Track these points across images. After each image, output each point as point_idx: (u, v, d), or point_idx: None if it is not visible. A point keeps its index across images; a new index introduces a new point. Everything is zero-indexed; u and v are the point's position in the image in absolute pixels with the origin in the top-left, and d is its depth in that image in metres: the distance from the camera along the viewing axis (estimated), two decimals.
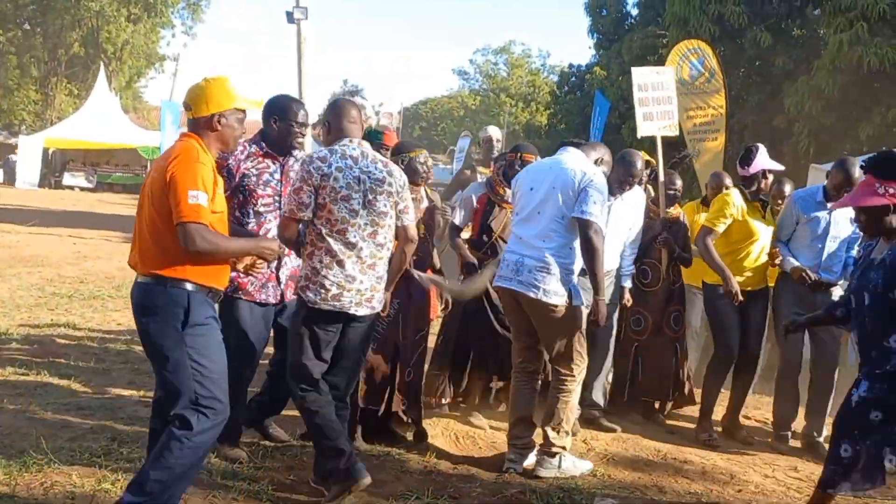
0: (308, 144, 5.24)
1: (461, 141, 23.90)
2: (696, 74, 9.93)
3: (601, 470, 5.08)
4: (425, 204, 5.23)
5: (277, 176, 4.59)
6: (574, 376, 4.88)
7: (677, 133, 6.95)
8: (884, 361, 3.90)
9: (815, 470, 5.40)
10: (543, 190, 4.83)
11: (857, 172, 5.66)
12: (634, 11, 24.84)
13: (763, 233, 5.88)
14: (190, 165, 3.43)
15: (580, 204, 4.68)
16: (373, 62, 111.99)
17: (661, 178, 6.25)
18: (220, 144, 3.68)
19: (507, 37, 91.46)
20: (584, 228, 4.69)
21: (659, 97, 6.82)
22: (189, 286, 3.48)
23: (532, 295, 4.71)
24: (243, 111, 3.71)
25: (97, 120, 32.48)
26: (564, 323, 4.80)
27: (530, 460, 4.92)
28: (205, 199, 3.40)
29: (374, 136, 5.77)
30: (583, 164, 4.89)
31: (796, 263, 5.72)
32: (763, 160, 5.89)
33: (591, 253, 4.69)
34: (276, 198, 4.56)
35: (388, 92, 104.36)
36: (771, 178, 5.98)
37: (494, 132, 7.64)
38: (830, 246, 5.77)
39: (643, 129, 6.85)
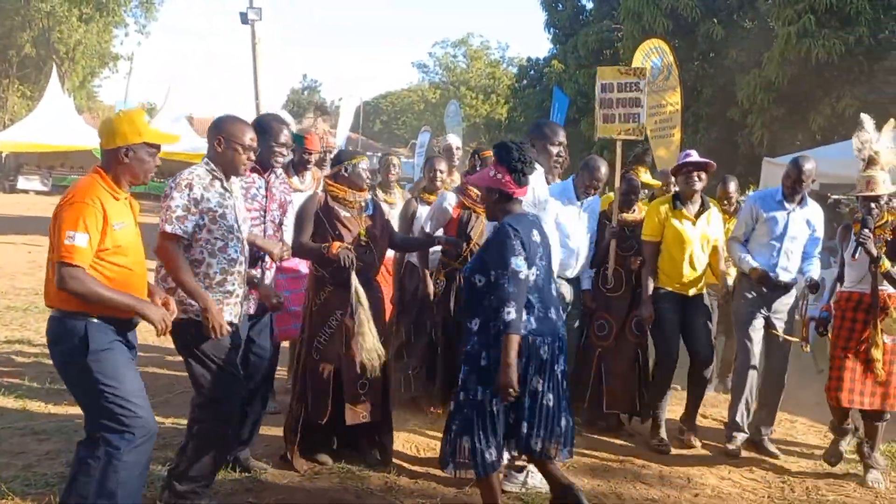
0: None
1: (422, 135, 23.89)
2: (657, 73, 10.02)
3: None
4: (370, 211, 5.14)
5: (263, 191, 4.75)
6: None
7: (641, 138, 6.75)
8: (466, 341, 4.10)
9: (770, 471, 5.53)
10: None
11: (809, 167, 5.79)
12: (589, 6, 24.99)
13: (693, 237, 5.88)
14: (75, 206, 3.47)
15: None
16: (332, 57, 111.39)
17: (617, 182, 6.24)
18: (130, 177, 3.70)
19: (466, 29, 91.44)
20: None
21: (624, 100, 6.53)
22: (87, 317, 3.54)
23: None
24: (155, 146, 3.74)
25: (51, 121, 31.88)
26: None
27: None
28: (83, 241, 3.43)
29: (296, 140, 5.80)
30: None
31: (754, 264, 5.82)
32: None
33: None
34: (262, 212, 4.74)
35: (347, 87, 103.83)
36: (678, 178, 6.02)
37: (454, 140, 7.65)
38: (788, 246, 5.86)
39: (602, 131, 6.67)
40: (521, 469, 4.85)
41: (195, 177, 4.06)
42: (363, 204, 5.05)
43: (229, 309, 4.16)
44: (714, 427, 6.44)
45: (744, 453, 5.81)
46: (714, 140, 17.55)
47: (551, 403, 4.05)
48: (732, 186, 6.44)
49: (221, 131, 4.20)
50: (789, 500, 5.07)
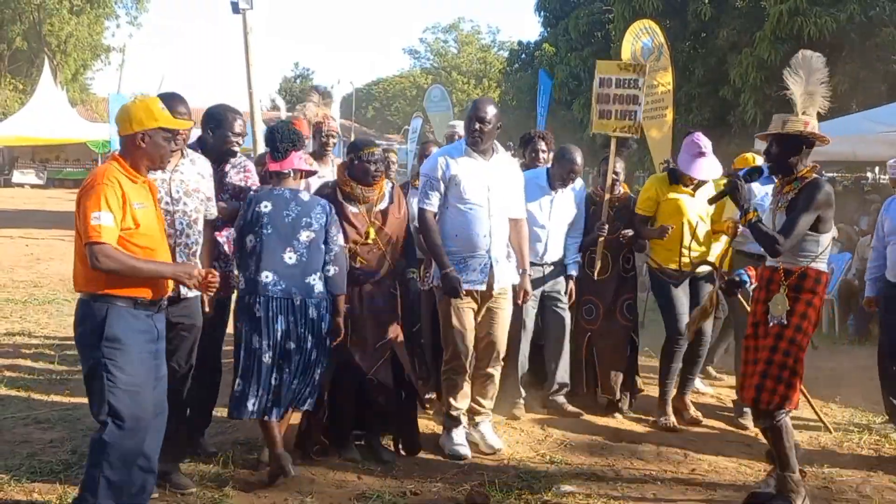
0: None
1: (414, 121, 23.94)
2: (647, 54, 10.04)
3: (559, 456, 5.20)
4: (384, 205, 4.93)
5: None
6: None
7: (637, 136, 6.53)
8: None
9: (763, 450, 5.59)
10: None
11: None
12: None
13: (691, 208, 5.89)
14: (94, 188, 3.57)
15: None
16: (325, 44, 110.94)
17: (611, 168, 6.19)
18: (147, 162, 3.79)
19: (456, 14, 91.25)
20: None
21: (622, 96, 6.32)
22: (109, 300, 3.63)
23: None
24: (171, 131, 3.85)
25: (44, 115, 31.82)
26: None
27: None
28: (108, 219, 3.53)
29: None
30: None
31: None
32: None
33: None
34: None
35: (339, 73, 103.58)
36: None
37: (461, 129, 7.41)
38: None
39: (597, 126, 6.48)
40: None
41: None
42: (375, 199, 4.92)
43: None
44: (711, 404, 6.51)
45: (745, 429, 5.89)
46: (706, 120, 17.55)
47: (268, 361, 4.45)
48: None
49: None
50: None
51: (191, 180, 4.40)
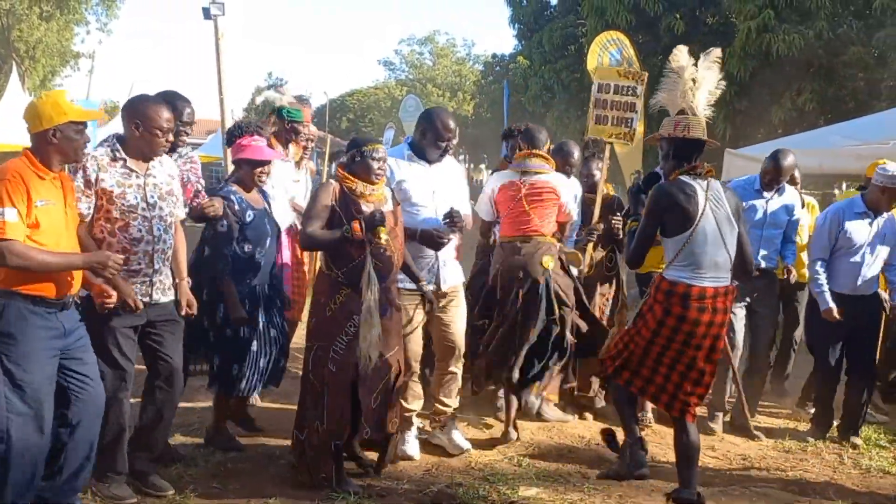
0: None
1: (387, 132, 23.94)
2: (615, 65, 10.08)
3: (526, 460, 5.19)
4: (389, 206, 4.67)
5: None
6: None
7: (631, 143, 6.48)
8: None
9: (731, 448, 5.64)
10: None
11: (788, 162, 5.88)
12: (554, 1, 25.12)
13: None
14: None
15: None
16: (298, 54, 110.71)
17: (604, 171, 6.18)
18: (60, 157, 3.75)
19: (432, 27, 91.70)
20: None
21: (619, 103, 6.32)
22: (8, 297, 3.57)
23: None
24: (81, 123, 3.78)
25: (12, 121, 31.01)
26: None
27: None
28: (12, 215, 3.49)
29: (295, 116, 5.79)
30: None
31: None
32: None
33: None
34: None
35: (313, 84, 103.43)
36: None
37: None
38: (768, 234, 5.96)
39: (592, 131, 6.43)
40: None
41: (89, 158, 4.07)
42: (383, 198, 4.64)
43: (135, 288, 4.13)
44: None
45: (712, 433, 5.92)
46: None
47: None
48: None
49: (137, 114, 4.18)
50: (750, 475, 5.19)
51: (163, 183, 4.30)
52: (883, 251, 5.82)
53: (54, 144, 3.69)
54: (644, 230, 4.34)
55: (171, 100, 4.69)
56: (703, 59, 4.52)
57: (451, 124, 5.07)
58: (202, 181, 5.12)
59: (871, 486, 5.07)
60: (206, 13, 17.19)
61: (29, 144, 3.77)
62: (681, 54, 4.51)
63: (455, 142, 5.18)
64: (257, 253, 4.94)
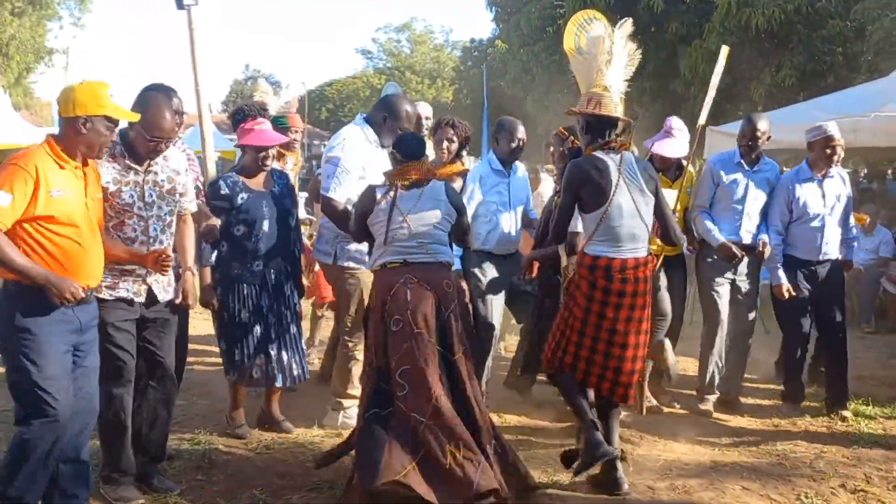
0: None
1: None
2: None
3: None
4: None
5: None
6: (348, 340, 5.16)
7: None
8: None
9: (720, 426, 5.61)
10: None
11: (762, 124, 5.82)
12: None
13: (673, 200, 5.69)
14: (7, 167, 3.42)
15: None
16: (275, 44, 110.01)
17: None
18: (84, 149, 3.60)
19: (408, 14, 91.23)
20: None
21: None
22: (22, 289, 3.46)
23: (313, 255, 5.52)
24: (114, 121, 3.63)
25: None
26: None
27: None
28: (5, 199, 3.35)
29: (279, 122, 5.72)
30: (340, 137, 5.10)
31: (722, 239, 5.75)
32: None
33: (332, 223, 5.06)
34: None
35: (291, 75, 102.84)
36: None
37: (424, 109, 7.20)
38: (750, 208, 5.86)
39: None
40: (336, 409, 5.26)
41: None
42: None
43: (126, 285, 3.98)
44: (672, 390, 6.48)
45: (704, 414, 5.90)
46: (658, 113, 17.67)
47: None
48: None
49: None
50: (740, 451, 5.16)
51: (165, 180, 4.11)
52: (838, 211, 5.87)
53: (82, 135, 3.55)
54: (561, 205, 4.43)
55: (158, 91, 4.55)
56: (616, 32, 4.55)
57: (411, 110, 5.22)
58: (201, 178, 4.94)
59: (860, 458, 5.04)
60: (179, 3, 16.96)
61: (2, 143, 3.64)
62: (601, 26, 4.66)
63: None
64: (253, 235, 4.87)
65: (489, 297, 5.51)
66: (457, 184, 5.44)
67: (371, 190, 4.40)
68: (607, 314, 4.29)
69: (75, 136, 3.56)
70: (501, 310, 5.66)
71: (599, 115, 4.37)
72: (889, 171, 17.16)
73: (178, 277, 4.29)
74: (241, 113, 5.08)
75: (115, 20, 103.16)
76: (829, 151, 5.78)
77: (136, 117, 3.85)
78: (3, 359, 3.57)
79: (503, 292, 5.61)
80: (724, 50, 6.00)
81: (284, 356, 4.96)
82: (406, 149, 4.40)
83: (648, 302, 4.41)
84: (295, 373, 5.02)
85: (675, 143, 5.88)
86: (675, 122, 5.95)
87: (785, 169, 6.78)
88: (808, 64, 15.48)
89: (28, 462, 3.49)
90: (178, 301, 4.26)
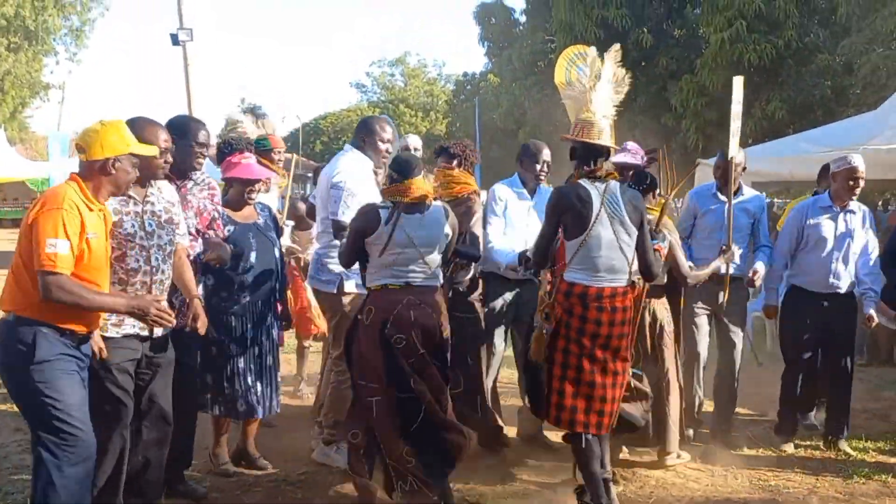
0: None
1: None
2: (584, 79, 10.08)
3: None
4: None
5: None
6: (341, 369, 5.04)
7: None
8: None
9: (714, 460, 5.56)
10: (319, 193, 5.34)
11: (737, 157, 5.78)
12: (522, 19, 25.22)
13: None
14: (52, 212, 3.40)
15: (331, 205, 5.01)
16: (269, 79, 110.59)
17: None
18: (112, 188, 3.62)
19: (402, 48, 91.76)
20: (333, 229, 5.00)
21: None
22: (39, 327, 3.46)
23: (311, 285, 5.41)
24: (137, 156, 3.65)
25: None
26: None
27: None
28: (65, 248, 3.36)
29: (260, 144, 5.75)
30: (338, 165, 5.09)
31: (712, 267, 5.62)
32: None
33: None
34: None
35: (286, 109, 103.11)
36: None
37: (413, 141, 7.28)
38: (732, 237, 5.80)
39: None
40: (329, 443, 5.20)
41: None
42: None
43: (131, 321, 3.87)
44: None
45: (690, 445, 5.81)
46: (649, 146, 17.82)
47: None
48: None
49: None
50: (732, 487, 5.12)
51: (162, 211, 4.07)
52: (854, 247, 5.82)
53: (111, 175, 3.56)
54: (542, 230, 4.46)
55: (184, 121, 4.58)
56: (606, 56, 4.57)
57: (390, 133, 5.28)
58: (219, 209, 4.80)
59: (853, 493, 5.02)
60: (175, 39, 17.14)
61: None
62: (592, 51, 4.83)
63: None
64: (240, 267, 4.86)
65: (497, 319, 5.56)
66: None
67: (373, 209, 4.41)
68: (583, 341, 4.27)
69: (104, 176, 3.57)
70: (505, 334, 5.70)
71: (584, 142, 4.39)
72: (879, 203, 17.27)
73: (172, 306, 4.17)
74: (227, 146, 5.09)
75: (111, 55, 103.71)
76: (851, 183, 5.75)
77: (156, 151, 3.86)
78: (19, 392, 3.55)
79: (511, 316, 5.63)
80: (739, 80, 6.03)
81: (263, 388, 4.95)
82: (399, 167, 4.44)
83: (627, 332, 4.38)
84: (274, 404, 5.04)
85: (625, 154, 5.76)
86: (630, 145, 5.86)
87: (777, 201, 6.82)
88: (798, 97, 15.66)
89: (70, 493, 3.47)
90: (188, 328, 4.15)
